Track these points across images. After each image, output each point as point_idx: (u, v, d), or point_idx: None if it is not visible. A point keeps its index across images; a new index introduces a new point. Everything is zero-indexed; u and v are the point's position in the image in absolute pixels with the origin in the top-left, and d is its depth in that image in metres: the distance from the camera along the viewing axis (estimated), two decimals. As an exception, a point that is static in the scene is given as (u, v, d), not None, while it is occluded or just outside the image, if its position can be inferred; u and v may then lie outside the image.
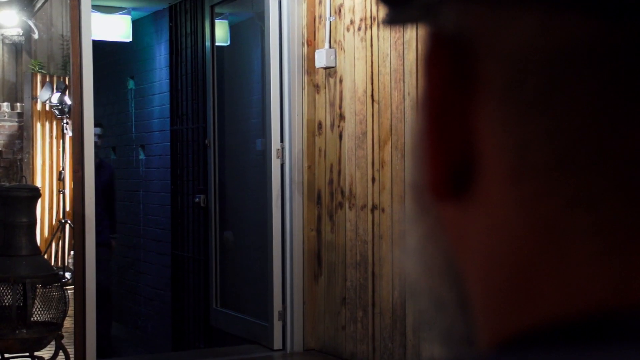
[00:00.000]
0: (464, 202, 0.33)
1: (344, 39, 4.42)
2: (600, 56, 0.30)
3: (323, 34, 4.55)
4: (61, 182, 7.27)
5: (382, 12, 0.35)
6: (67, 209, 7.08)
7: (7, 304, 3.90)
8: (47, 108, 7.39)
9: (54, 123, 7.55)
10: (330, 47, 4.49)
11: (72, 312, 4.24)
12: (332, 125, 4.51)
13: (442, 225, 0.35)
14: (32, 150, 7.57)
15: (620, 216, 0.30)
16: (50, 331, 3.96)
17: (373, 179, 4.23)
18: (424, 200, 0.35)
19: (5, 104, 7.63)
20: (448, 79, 0.33)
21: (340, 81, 4.44)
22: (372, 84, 4.23)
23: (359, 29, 4.31)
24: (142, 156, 6.92)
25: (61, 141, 7.29)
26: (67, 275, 6.46)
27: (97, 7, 5.83)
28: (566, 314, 0.30)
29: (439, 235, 0.35)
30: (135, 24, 6.49)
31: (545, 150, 0.31)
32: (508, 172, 0.32)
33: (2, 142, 7.62)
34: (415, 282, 0.36)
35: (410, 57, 3.99)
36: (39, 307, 3.98)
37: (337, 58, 4.46)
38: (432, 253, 0.36)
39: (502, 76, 0.31)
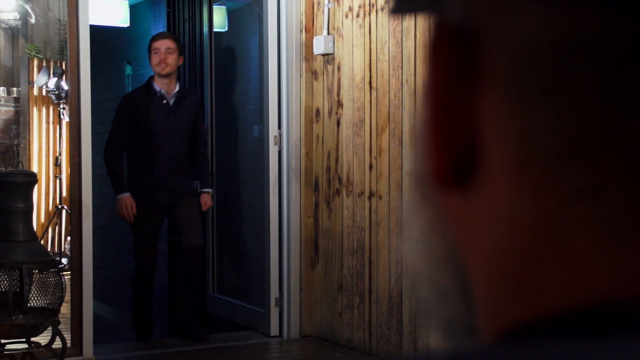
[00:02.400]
0: (467, 192, 0.33)
1: (342, 26, 4.41)
2: (606, 46, 0.30)
3: (321, 20, 4.54)
4: (58, 168, 7.26)
5: (390, 0, 0.35)
6: (64, 194, 7.08)
7: (3, 289, 3.90)
8: (44, 93, 7.38)
9: (51, 108, 7.54)
10: (328, 33, 4.48)
11: (69, 298, 4.25)
12: (330, 112, 4.50)
13: (446, 214, 0.35)
14: (29, 135, 7.56)
15: (625, 207, 0.30)
16: (46, 317, 3.96)
17: (370, 166, 4.23)
18: (427, 189, 0.35)
19: (2, 88, 7.61)
20: (453, 68, 0.33)
21: (339, 68, 4.43)
22: (370, 71, 4.22)
23: (358, 15, 4.30)
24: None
25: (58, 126, 7.27)
26: (64, 261, 6.47)
27: (94, -8, 5.80)
28: (569, 305, 0.30)
29: (442, 224, 0.35)
30: (133, 9, 6.47)
31: (550, 141, 0.30)
32: (512, 162, 0.31)
33: (-2, 127, 7.60)
34: (417, 271, 0.36)
35: (409, 44, 3.98)
36: (35, 292, 3.98)
37: (335, 45, 4.45)
38: (435, 242, 0.35)
39: (507, 66, 0.31)
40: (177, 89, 4.73)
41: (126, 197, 4.63)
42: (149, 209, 4.67)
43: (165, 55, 4.65)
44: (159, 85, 4.69)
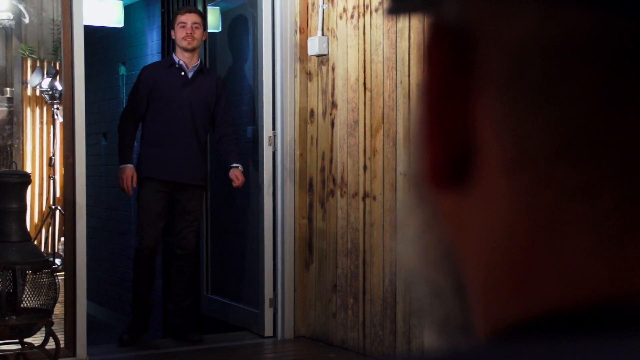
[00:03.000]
0: (462, 191, 0.33)
1: (336, 27, 4.41)
2: (601, 47, 0.30)
3: (316, 21, 4.54)
4: (51, 168, 7.25)
5: (386, 1, 0.35)
6: (58, 195, 7.07)
7: (-3, 290, 3.89)
8: (38, 93, 7.36)
9: (45, 108, 7.52)
10: (322, 34, 4.48)
11: (63, 298, 4.24)
12: (324, 113, 4.51)
13: (441, 214, 0.35)
14: (22, 135, 7.54)
15: (619, 206, 0.30)
16: (40, 318, 3.95)
17: (365, 167, 4.23)
18: (422, 189, 0.35)
19: (-5, 89, 7.59)
20: (448, 69, 0.33)
21: (333, 69, 4.43)
22: (364, 72, 4.22)
23: (352, 16, 4.30)
24: (133, 142, 6.89)
25: (52, 127, 7.26)
26: (58, 261, 6.45)
27: (88, -8, 5.79)
28: (564, 303, 0.30)
29: (437, 223, 0.35)
30: (127, 9, 6.46)
31: (545, 141, 0.31)
32: (507, 162, 0.32)
33: (-8, 127, 7.59)
34: (413, 271, 0.36)
35: (403, 45, 3.98)
36: (29, 293, 3.97)
37: (330, 46, 4.45)
38: (430, 241, 0.36)
39: (502, 66, 0.31)
40: (197, 63, 4.68)
41: (128, 168, 4.56)
42: (154, 182, 4.57)
43: (192, 29, 4.62)
44: (180, 57, 4.65)
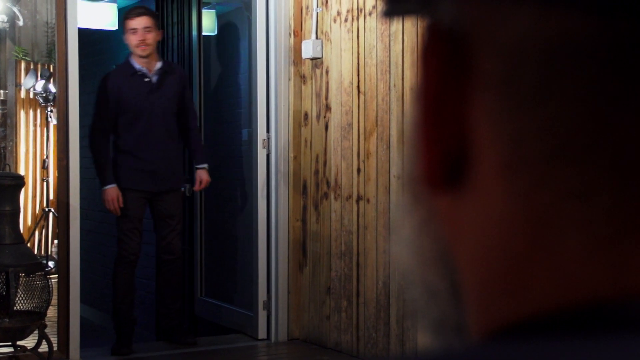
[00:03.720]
0: (458, 193, 0.34)
1: (330, 30, 4.41)
2: (596, 49, 0.30)
3: (310, 24, 4.54)
4: (45, 171, 7.23)
5: (380, 3, 0.36)
6: (51, 197, 7.05)
7: (-10, 292, 3.88)
8: (31, 96, 7.34)
9: (38, 111, 7.50)
10: (317, 38, 4.49)
11: (56, 301, 4.23)
12: (318, 116, 4.51)
13: (436, 216, 0.35)
14: (16, 138, 7.52)
15: (614, 207, 0.30)
16: (33, 320, 3.94)
17: (358, 170, 4.23)
18: (417, 190, 0.35)
19: (-11, 91, 7.57)
20: (444, 70, 0.33)
21: (327, 72, 4.44)
22: (358, 75, 4.23)
23: (346, 20, 4.30)
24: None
25: (45, 129, 7.24)
26: (51, 264, 6.43)
27: (82, -5, 5.78)
28: (559, 304, 0.31)
29: (432, 225, 0.35)
30: (121, 12, 6.45)
31: (540, 143, 0.31)
32: (502, 164, 0.32)
33: (-15, 129, 7.56)
34: (408, 272, 0.37)
35: (397, 48, 3.99)
36: (22, 296, 3.96)
37: (324, 49, 4.46)
38: (426, 243, 0.36)
39: (498, 69, 0.32)
40: (159, 65, 4.49)
41: (112, 190, 4.39)
42: (135, 192, 4.44)
43: (144, 35, 4.40)
44: (139, 63, 4.45)
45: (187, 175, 4.99)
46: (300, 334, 4.67)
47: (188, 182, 5.23)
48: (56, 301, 4.22)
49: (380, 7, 0.36)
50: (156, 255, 4.71)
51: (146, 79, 4.45)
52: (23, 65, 7.47)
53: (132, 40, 4.42)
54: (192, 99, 4.80)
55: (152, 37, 4.44)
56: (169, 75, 4.51)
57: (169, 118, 4.49)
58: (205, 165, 4.63)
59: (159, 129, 4.46)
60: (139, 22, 4.41)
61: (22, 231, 4.40)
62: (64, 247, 4.25)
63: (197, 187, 4.66)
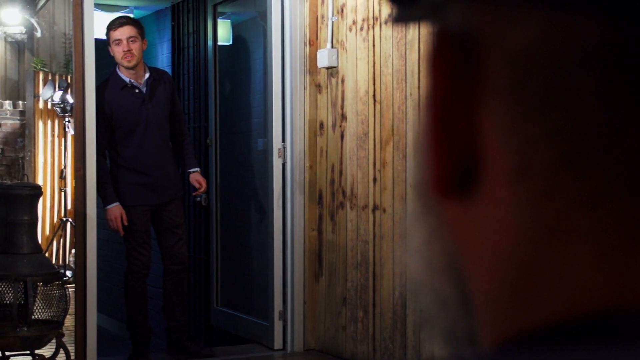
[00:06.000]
0: (467, 201, 0.33)
1: (346, 39, 4.42)
2: (605, 56, 0.30)
3: (325, 33, 4.55)
4: (63, 181, 7.28)
5: (390, 10, 0.35)
6: (69, 207, 7.09)
7: (8, 302, 3.90)
8: (49, 106, 7.40)
9: (56, 121, 7.56)
10: (332, 47, 4.49)
11: (73, 310, 4.25)
12: (334, 125, 4.51)
13: (446, 224, 0.35)
14: (34, 148, 7.58)
15: (624, 215, 0.30)
16: (50, 329, 3.96)
17: (374, 179, 4.23)
18: (428, 199, 0.35)
19: (8, 102, 7.64)
20: (453, 78, 0.33)
21: (342, 81, 4.44)
22: (374, 84, 4.23)
23: (362, 29, 4.31)
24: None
25: (63, 139, 7.29)
26: (68, 273, 6.47)
27: (99, 6, 5.83)
28: (569, 314, 0.30)
29: (442, 233, 0.35)
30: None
31: (550, 150, 0.31)
32: (512, 172, 0.32)
33: (4, 140, 7.63)
34: (419, 281, 0.36)
35: (413, 57, 3.99)
36: (39, 305, 3.98)
37: (339, 58, 4.46)
38: (436, 251, 0.36)
39: (507, 75, 0.32)
40: (147, 75, 4.41)
41: (115, 208, 4.31)
42: (139, 207, 4.41)
43: (128, 45, 4.30)
44: (127, 75, 4.36)
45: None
46: (316, 344, 4.66)
47: (204, 192, 5.24)
48: (73, 310, 4.24)
49: (392, 13, 0.35)
50: (163, 266, 4.66)
51: (137, 91, 4.39)
52: (41, 76, 7.53)
53: (117, 51, 4.33)
54: (180, 103, 4.80)
55: (137, 47, 4.34)
56: (158, 84, 4.47)
57: (163, 127, 4.46)
58: (197, 169, 4.63)
59: (155, 140, 4.42)
60: (123, 33, 4.31)
61: (40, 241, 4.43)
62: (81, 257, 4.27)
63: (197, 192, 4.65)
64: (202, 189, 4.63)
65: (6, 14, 7.38)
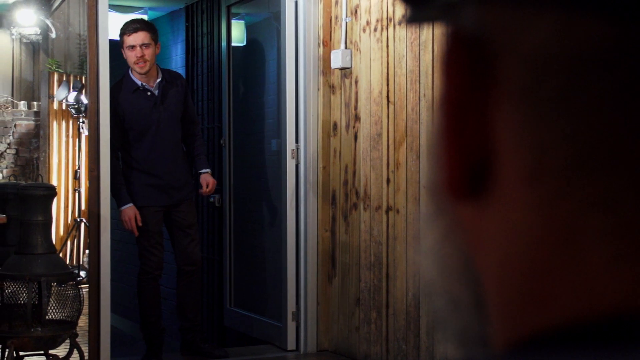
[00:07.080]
0: (481, 203, 0.33)
1: (359, 40, 4.42)
2: (619, 58, 0.30)
3: (339, 34, 4.55)
4: (77, 181, 7.31)
5: (404, 11, 0.35)
6: (83, 207, 7.13)
7: (22, 302, 3.92)
8: (64, 107, 7.44)
9: (70, 122, 7.60)
10: (346, 47, 4.49)
11: (87, 310, 4.27)
12: (347, 126, 4.51)
13: (459, 225, 0.35)
14: (49, 149, 7.63)
15: (637, 218, 0.30)
16: (64, 329, 3.98)
17: (388, 180, 4.22)
18: (441, 200, 0.35)
19: (22, 102, 7.69)
20: (467, 79, 0.33)
21: (356, 82, 4.44)
22: (387, 85, 4.22)
23: (375, 29, 4.31)
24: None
25: (77, 140, 7.33)
26: (82, 273, 6.50)
27: (114, 7, 5.86)
28: (582, 316, 0.30)
29: (455, 235, 0.35)
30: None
31: (563, 152, 0.30)
32: (526, 173, 0.31)
33: (18, 140, 7.68)
34: (431, 282, 0.36)
35: (427, 58, 3.98)
36: (53, 305, 4.00)
37: (353, 59, 4.46)
38: (449, 253, 0.35)
39: (521, 77, 0.31)
40: (159, 78, 4.44)
41: (129, 209, 4.36)
42: (150, 208, 4.44)
43: (142, 50, 4.33)
44: (139, 79, 4.39)
45: (217, 186, 5.00)
46: (330, 345, 4.66)
47: (217, 193, 5.26)
48: (87, 310, 4.26)
49: (406, 13, 0.35)
50: (177, 267, 4.68)
51: (149, 93, 4.42)
52: (56, 77, 7.58)
53: (130, 56, 4.36)
54: (193, 106, 4.82)
55: (150, 53, 4.36)
56: (170, 87, 4.49)
57: (175, 129, 4.49)
58: (208, 170, 4.64)
59: (167, 142, 4.45)
60: (136, 39, 4.34)
61: (54, 241, 4.46)
62: (94, 257, 4.29)
63: (204, 192, 4.63)
64: (208, 190, 4.62)
65: (21, 15, 7.43)
